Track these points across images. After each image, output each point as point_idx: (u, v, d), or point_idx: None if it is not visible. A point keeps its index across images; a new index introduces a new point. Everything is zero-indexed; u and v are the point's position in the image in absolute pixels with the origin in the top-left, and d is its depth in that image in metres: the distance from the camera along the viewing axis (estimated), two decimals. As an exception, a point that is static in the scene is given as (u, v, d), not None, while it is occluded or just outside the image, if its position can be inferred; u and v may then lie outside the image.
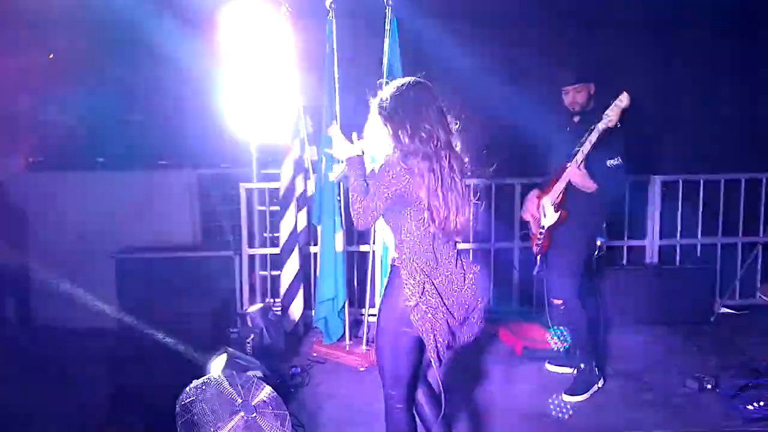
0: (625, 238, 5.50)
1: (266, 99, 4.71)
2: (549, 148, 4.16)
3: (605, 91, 3.86)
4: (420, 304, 2.54)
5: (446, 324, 2.58)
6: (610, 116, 3.61)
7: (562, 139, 4.02)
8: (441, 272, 2.61)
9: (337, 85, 4.33)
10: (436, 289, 2.58)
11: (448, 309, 2.58)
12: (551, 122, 4.15)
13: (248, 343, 4.04)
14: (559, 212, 3.95)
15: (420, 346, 2.65)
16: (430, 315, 2.54)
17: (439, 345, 2.56)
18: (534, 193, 4.24)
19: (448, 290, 2.61)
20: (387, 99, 2.60)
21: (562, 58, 4.81)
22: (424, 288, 2.55)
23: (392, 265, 2.68)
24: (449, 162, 2.57)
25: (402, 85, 2.61)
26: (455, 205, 2.57)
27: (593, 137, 3.69)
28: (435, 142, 2.53)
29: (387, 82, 4.15)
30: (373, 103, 2.66)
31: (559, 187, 3.93)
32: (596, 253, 3.99)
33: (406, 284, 2.56)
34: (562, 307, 4.07)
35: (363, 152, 2.74)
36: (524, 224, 4.49)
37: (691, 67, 5.46)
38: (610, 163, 3.81)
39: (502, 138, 5.51)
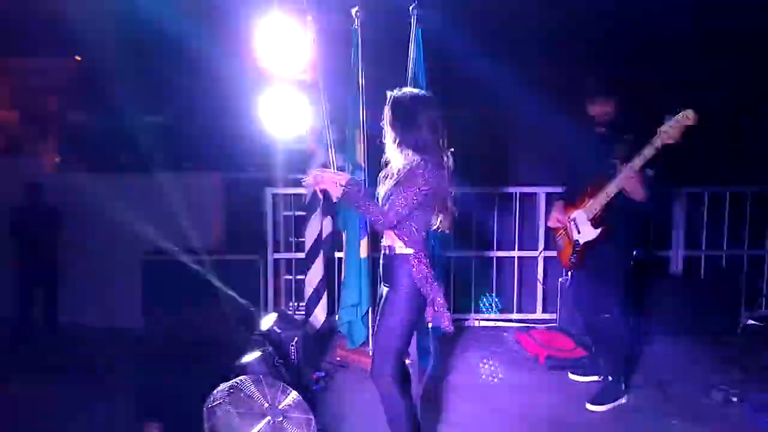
0: (651, 249, 5.47)
1: (293, 104, 4.74)
2: (573, 158, 4.11)
3: (633, 100, 3.87)
4: (431, 285, 2.92)
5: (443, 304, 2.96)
6: (670, 133, 3.44)
7: (589, 150, 3.96)
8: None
9: (362, 94, 4.37)
10: (434, 273, 2.98)
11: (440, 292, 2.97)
12: (576, 131, 4.10)
13: (292, 346, 4.05)
14: (600, 229, 3.84)
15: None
16: (438, 298, 2.93)
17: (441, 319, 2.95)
18: (560, 203, 4.19)
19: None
20: (398, 105, 2.94)
21: (585, 67, 4.79)
22: (429, 271, 2.95)
23: (392, 254, 2.99)
24: (447, 164, 2.93)
25: (408, 94, 2.96)
26: (450, 203, 2.97)
27: (648, 152, 3.54)
28: (435, 144, 2.90)
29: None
30: (386, 109, 2.98)
31: (599, 202, 3.81)
32: (632, 262, 3.93)
33: (416, 269, 2.92)
34: (605, 322, 3.99)
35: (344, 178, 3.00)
36: (548, 234, 4.49)
37: (719, 76, 5.43)
38: (647, 172, 3.69)
39: (527, 145, 5.60)
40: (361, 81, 4.40)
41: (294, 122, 4.76)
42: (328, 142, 4.78)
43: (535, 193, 5.46)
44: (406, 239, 2.96)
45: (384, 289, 3.07)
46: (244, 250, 5.42)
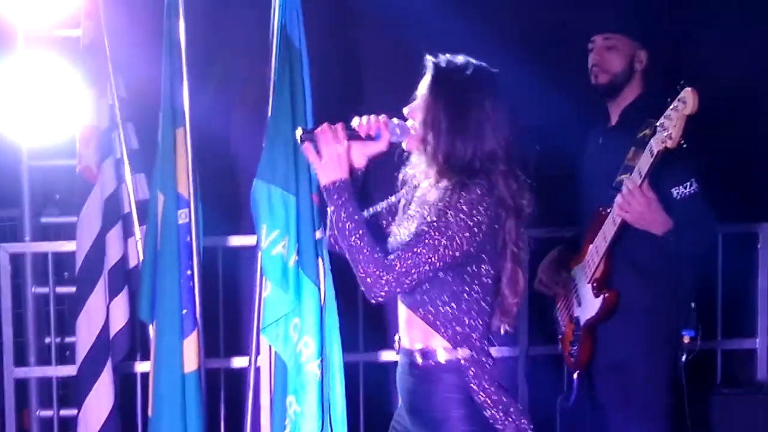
0: (719, 337, 5.58)
1: (50, 84, 4.84)
2: (578, 178, 4.33)
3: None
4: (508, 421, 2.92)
5: None
6: (669, 129, 3.53)
7: (594, 160, 4.18)
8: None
9: (184, 65, 4.40)
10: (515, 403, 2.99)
11: None
12: (582, 128, 4.36)
13: None
14: (602, 296, 3.94)
15: None
16: None
17: None
18: (555, 254, 4.39)
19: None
20: (451, 85, 3.01)
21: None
22: (503, 399, 2.93)
23: (425, 363, 2.99)
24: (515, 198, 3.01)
25: (468, 66, 3.03)
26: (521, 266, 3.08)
27: (643, 164, 3.65)
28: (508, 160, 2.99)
29: (277, 54, 4.36)
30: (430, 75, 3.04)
31: (597, 250, 3.94)
32: (683, 357, 4.06)
33: (477, 389, 2.90)
34: None
35: None
36: (537, 312, 4.71)
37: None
38: (678, 192, 3.86)
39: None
40: (182, 38, 4.42)
41: (52, 118, 4.87)
42: (121, 155, 4.91)
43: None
44: (450, 330, 2.95)
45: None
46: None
